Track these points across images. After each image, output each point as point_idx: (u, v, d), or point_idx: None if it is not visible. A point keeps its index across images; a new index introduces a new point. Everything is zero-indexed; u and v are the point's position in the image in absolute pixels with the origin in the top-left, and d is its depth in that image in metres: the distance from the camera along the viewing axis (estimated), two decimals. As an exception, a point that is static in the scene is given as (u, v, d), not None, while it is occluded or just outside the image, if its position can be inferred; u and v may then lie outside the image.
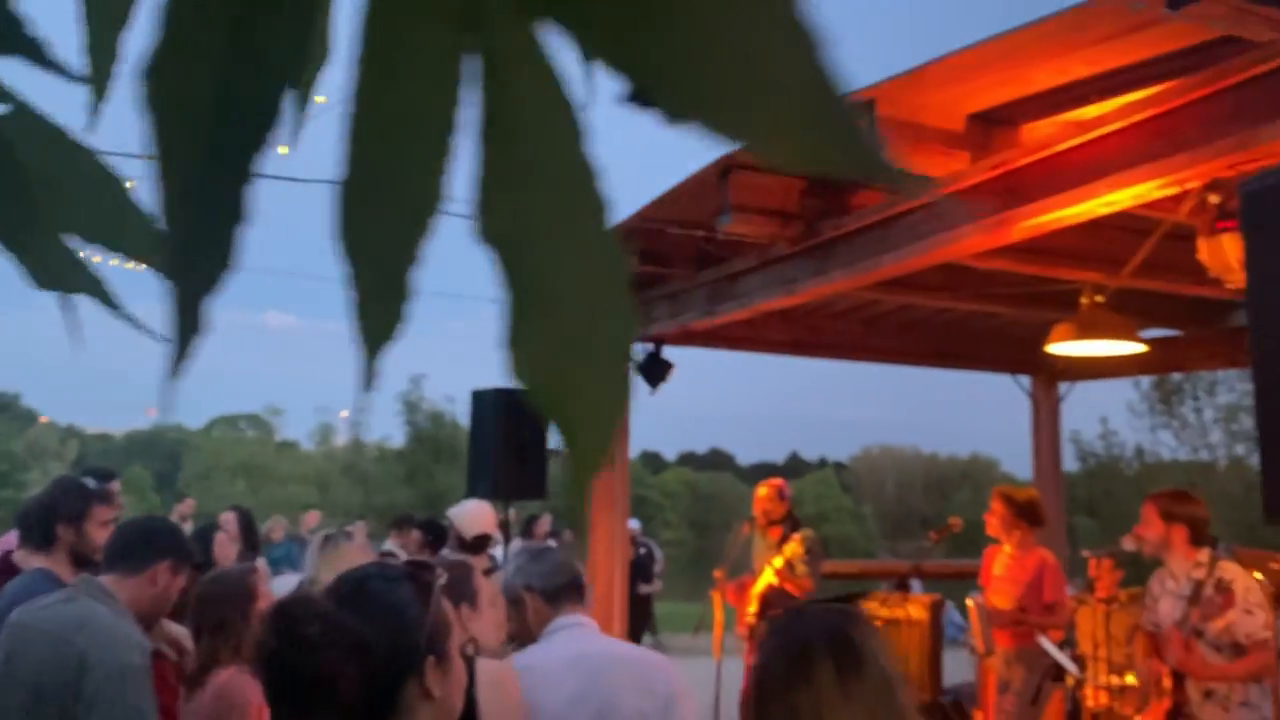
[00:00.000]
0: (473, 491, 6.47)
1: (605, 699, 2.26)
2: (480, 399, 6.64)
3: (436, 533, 6.95)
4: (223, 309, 0.45)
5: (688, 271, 5.97)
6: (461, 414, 36.02)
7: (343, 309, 0.41)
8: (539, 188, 0.40)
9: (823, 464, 75.79)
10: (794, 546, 5.99)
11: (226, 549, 4.89)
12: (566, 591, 2.47)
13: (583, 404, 0.42)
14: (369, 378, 0.41)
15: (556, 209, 0.40)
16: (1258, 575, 4.51)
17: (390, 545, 7.48)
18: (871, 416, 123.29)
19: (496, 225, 0.40)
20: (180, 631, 2.83)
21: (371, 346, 0.41)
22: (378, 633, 1.39)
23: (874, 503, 67.61)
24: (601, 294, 0.42)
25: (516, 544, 9.44)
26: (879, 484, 70.24)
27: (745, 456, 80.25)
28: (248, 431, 63.06)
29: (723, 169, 4.76)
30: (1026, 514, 5.30)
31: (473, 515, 5.65)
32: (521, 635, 2.48)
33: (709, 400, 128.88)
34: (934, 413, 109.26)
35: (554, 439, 0.44)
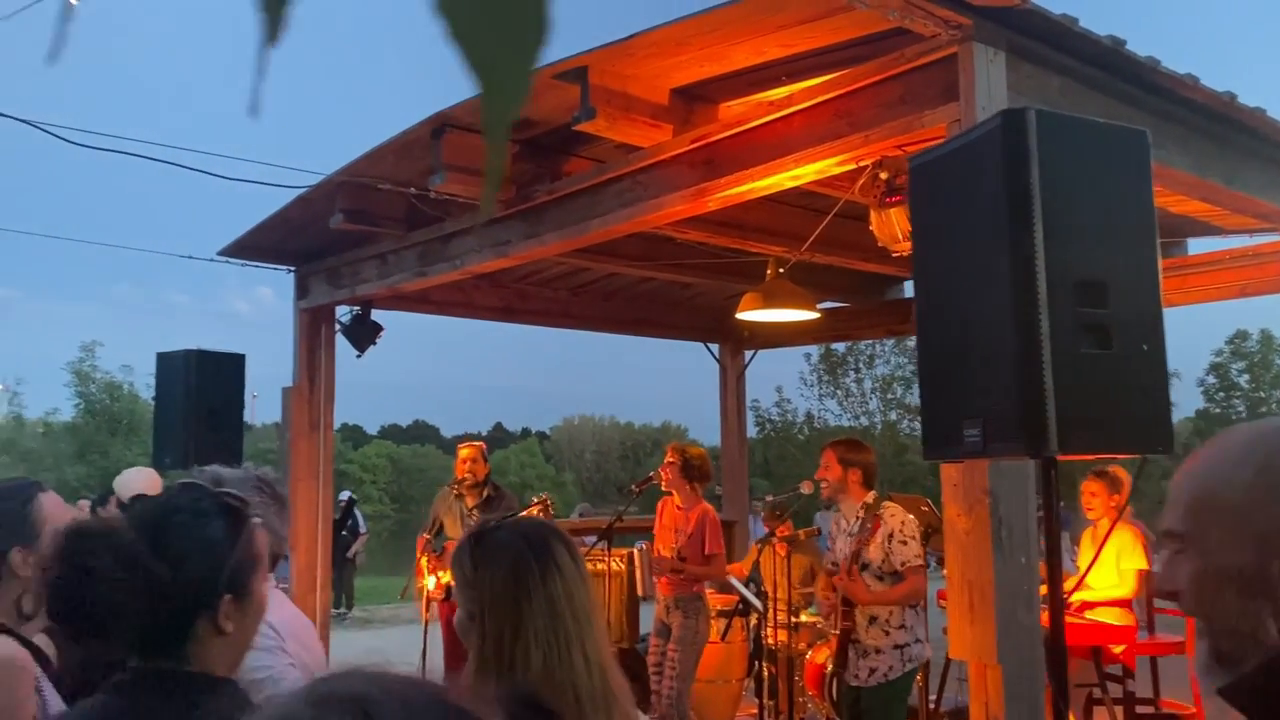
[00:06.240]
0: (158, 461, 6.00)
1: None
2: (167, 361, 6.18)
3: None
4: None
5: (399, 231, 5.86)
6: (141, 384, 33.04)
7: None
8: None
9: (526, 434, 76.65)
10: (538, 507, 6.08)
11: None
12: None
13: (498, 35, 0.39)
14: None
15: None
16: (911, 516, 5.12)
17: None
18: (572, 389, 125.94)
19: None
20: None
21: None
22: (175, 570, 1.34)
23: (574, 470, 69.24)
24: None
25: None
26: (578, 452, 72.11)
27: (450, 428, 79.44)
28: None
29: (435, 128, 4.72)
30: (693, 470, 5.62)
31: (131, 480, 5.23)
32: None
33: (412, 372, 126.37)
34: (630, 384, 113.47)
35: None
